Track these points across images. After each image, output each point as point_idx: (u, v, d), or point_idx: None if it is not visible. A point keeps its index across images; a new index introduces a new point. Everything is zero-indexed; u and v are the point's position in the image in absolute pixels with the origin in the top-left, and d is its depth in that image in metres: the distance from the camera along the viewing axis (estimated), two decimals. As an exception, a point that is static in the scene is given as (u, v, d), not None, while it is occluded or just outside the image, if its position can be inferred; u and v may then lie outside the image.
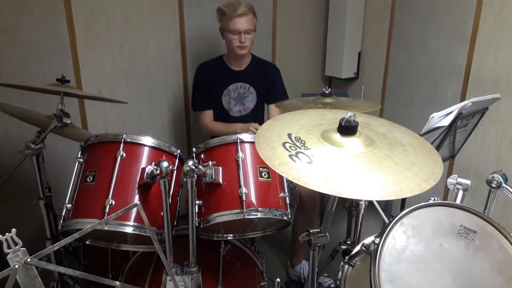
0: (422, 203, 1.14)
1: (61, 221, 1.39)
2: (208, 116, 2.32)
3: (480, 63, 2.33)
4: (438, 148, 1.74)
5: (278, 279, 1.44)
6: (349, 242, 1.90)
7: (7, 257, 0.84)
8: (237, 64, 2.30)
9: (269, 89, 2.36)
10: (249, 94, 2.34)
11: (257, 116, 2.40)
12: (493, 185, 1.33)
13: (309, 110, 1.36)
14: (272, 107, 2.36)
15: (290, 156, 1.01)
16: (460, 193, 1.31)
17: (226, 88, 2.30)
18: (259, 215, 1.46)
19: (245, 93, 2.34)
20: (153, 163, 1.36)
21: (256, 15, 2.17)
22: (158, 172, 1.26)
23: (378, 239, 1.06)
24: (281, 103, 2.09)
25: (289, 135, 1.10)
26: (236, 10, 2.07)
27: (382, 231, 1.08)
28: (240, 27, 2.09)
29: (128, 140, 1.47)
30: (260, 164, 1.52)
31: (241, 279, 1.68)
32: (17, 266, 0.85)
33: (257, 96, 2.36)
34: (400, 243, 1.07)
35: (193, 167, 1.24)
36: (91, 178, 1.42)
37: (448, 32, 2.47)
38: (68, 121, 1.59)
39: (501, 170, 1.34)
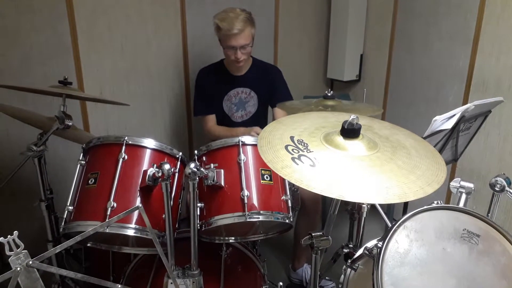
0: (425, 207, 1.14)
1: (63, 223, 1.39)
2: (211, 120, 2.32)
3: (482, 65, 2.33)
4: (440, 151, 1.74)
5: (281, 283, 1.43)
6: (351, 246, 1.89)
7: (9, 259, 0.84)
8: (238, 69, 2.28)
9: (272, 92, 2.34)
10: (250, 98, 2.34)
11: (259, 120, 2.39)
12: (496, 189, 1.32)
13: (311, 112, 1.36)
14: (277, 110, 2.35)
15: (293, 159, 1.00)
16: (463, 196, 1.31)
17: (227, 93, 2.29)
18: (261, 218, 1.45)
19: (246, 98, 2.33)
20: (155, 165, 1.36)
21: (254, 23, 2.13)
22: (160, 174, 1.26)
23: (380, 243, 1.06)
24: (283, 104, 2.08)
25: (292, 138, 1.09)
26: (232, 29, 2.02)
27: (385, 234, 1.08)
28: (235, 44, 2.07)
29: (130, 142, 1.47)
30: (262, 166, 1.52)
31: (243, 282, 1.67)
32: (18, 268, 0.85)
33: (258, 101, 2.35)
34: (403, 247, 1.06)
35: (195, 170, 1.24)
36: (93, 181, 1.42)
37: (451, 34, 2.47)
38: (70, 123, 1.59)
39: (504, 174, 1.33)
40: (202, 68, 2.34)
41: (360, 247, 1.51)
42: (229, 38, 2.06)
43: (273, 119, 2.40)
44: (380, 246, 1.05)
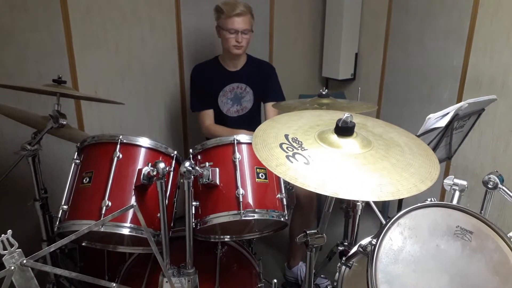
0: (419, 204, 1.15)
1: (57, 223, 1.38)
2: (209, 117, 2.31)
3: (476, 64, 2.34)
4: (434, 149, 1.75)
5: (275, 280, 1.44)
6: (346, 243, 1.90)
7: (3, 258, 0.84)
8: (233, 65, 2.29)
9: (265, 87, 2.36)
10: (246, 94, 2.34)
11: (254, 116, 2.40)
12: (490, 186, 1.33)
13: (306, 111, 1.36)
14: (269, 106, 2.35)
15: (287, 157, 1.01)
16: (457, 194, 1.32)
17: (222, 89, 2.30)
18: (256, 216, 1.45)
19: (242, 93, 2.34)
20: (149, 164, 1.35)
21: (254, 16, 2.17)
22: (154, 173, 1.26)
23: (375, 240, 1.06)
24: (278, 104, 2.09)
25: (286, 136, 1.10)
26: (235, 9, 2.07)
27: (379, 232, 1.08)
28: (237, 27, 2.09)
29: (124, 141, 1.46)
30: (257, 165, 1.52)
31: (238, 281, 1.68)
32: (13, 267, 0.85)
33: (254, 96, 2.36)
34: (397, 244, 1.07)
35: (190, 168, 1.24)
36: (88, 179, 1.41)
37: (445, 33, 2.48)
38: (64, 122, 1.58)
39: (497, 171, 1.34)
40: (196, 65, 2.34)
41: (355, 244, 1.52)
42: (232, 20, 2.09)
43: (265, 114, 2.41)
44: (374, 243, 1.06)
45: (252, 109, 2.38)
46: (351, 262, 1.28)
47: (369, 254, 1.06)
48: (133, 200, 1.40)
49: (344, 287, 1.28)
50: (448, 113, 1.63)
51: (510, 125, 2.23)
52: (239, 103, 2.35)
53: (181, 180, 1.27)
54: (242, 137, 1.55)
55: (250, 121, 2.33)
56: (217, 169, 1.46)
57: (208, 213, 1.46)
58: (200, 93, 2.30)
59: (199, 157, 1.59)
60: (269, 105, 2.35)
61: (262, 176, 1.52)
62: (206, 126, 2.31)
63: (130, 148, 1.47)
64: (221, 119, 2.34)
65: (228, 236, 1.65)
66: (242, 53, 2.23)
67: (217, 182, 1.45)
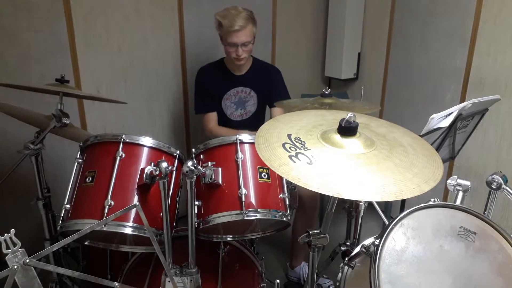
0: (422, 204, 1.14)
1: (60, 222, 1.39)
2: (212, 119, 2.31)
3: (479, 65, 2.33)
4: (438, 149, 1.74)
5: (278, 280, 1.43)
6: (348, 244, 1.90)
7: (6, 257, 0.84)
8: (238, 68, 2.28)
9: (271, 91, 2.34)
10: (250, 98, 2.34)
11: (258, 120, 2.39)
12: (493, 186, 1.32)
13: (309, 110, 1.36)
14: (275, 110, 2.34)
15: (290, 157, 1.00)
16: (460, 194, 1.31)
17: (226, 92, 2.29)
18: (258, 216, 1.45)
19: (246, 97, 2.33)
20: (152, 163, 1.35)
21: (256, 21, 2.13)
22: (157, 172, 1.26)
23: (378, 241, 1.06)
24: (280, 102, 2.08)
25: (289, 136, 1.09)
26: (233, 25, 2.02)
27: (382, 232, 1.08)
28: (237, 41, 2.06)
29: (127, 140, 1.46)
30: (259, 165, 1.52)
31: (241, 280, 1.68)
32: (16, 266, 0.85)
33: (258, 100, 2.35)
34: (400, 245, 1.07)
35: (193, 168, 1.23)
36: (90, 179, 1.42)
37: (448, 33, 2.47)
38: (67, 121, 1.58)
39: (501, 171, 1.33)
40: (202, 67, 2.33)
41: (358, 245, 1.52)
42: (231, 35, 2.06)
43: (271, 117, 2.40)
44: (377, 243, 1.05)
45: (256, 113, 2.37)
46: (353, 263, 1.28)
47: (372, 255, 1.06)
48: (135, 200, 1.40)
49: (347, 288, 1.28)
50: (451, 113, 1.63)
51: (514, 126, 2.22)
52: (243, 107, 2.34)
53: (184, 179, 1.27)
54: (245, 136, 1.55)
55: (254, 125, 2.31)
56: (220, 169, 1.46)
57: (210, 213, 1.46)
58: (205, 95, 2.29)
59: (201, 156, 1.59)
60: (275, 109, 2.32)
61: (264, 175, 1.52)
62: (209, 128, 2.30)
63: (133, 148, 1.48)
64: (225, 122, 2.33)
65: (231, 236, 1.65)
66: (244, 63, 2.22)
67: (220, 181, 1.45)
